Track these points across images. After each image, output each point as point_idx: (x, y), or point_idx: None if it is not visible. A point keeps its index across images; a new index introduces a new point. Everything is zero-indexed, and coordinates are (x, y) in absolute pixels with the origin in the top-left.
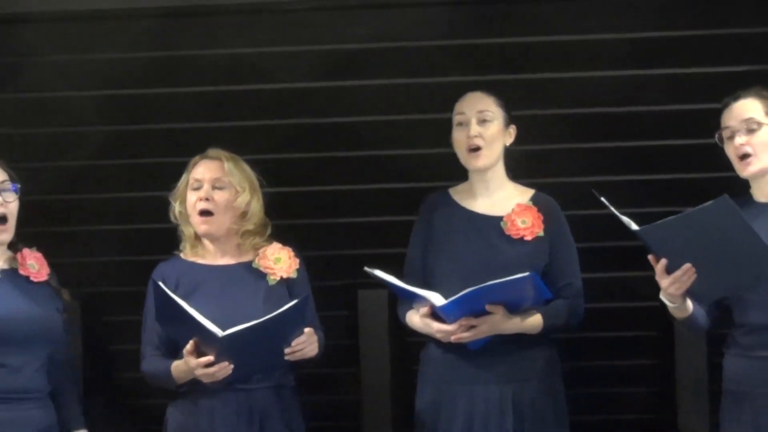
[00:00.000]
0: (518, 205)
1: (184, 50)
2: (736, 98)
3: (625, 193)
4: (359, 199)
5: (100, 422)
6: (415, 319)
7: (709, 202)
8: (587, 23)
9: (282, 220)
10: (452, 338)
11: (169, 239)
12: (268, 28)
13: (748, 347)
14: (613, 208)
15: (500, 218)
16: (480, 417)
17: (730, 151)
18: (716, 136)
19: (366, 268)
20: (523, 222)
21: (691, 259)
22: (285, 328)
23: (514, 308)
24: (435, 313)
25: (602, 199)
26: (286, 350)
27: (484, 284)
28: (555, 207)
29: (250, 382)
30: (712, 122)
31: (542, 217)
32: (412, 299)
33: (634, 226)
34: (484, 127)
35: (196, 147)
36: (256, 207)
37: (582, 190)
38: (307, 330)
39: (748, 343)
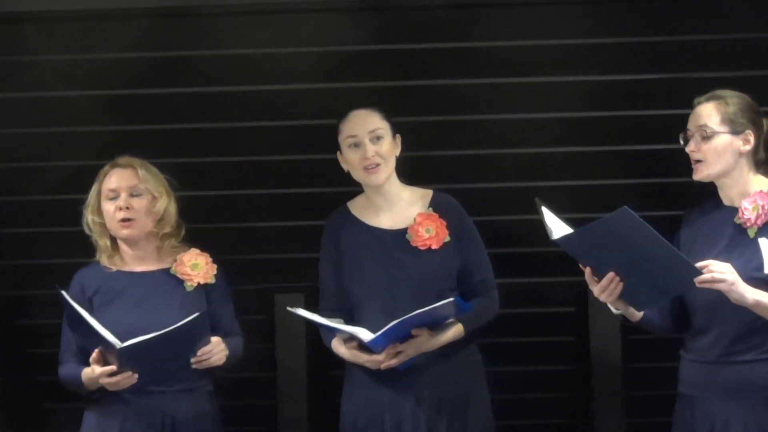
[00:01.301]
0: (419, 215)
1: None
2: (698, 103)
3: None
4: (276, 204)
5: (17, 426)
6: (342, 349)
7: (610, 214)
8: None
9: (199, 224)
10: (382, 366)
11: None
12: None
13: (696, 351)
14: (543, 215)
15: (405, 230)
16: (408, 422)
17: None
18: (681, 137)
19: (288, 308)
20: (428, 231)
21: (614, 268)
22: (188, 338)
23: (437, 326)
24: (362, 344)
25: (536, 199)
26: (192, 359)
27: (410, 314)
28: (455, 207)
29: (165, 386)
30: None
31: (445, 222)
32: (337, 333)
33: (554, 236)
34: (378, 145)
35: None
36: (172, 210)
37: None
38: (214, 339)
39: (694, 347)
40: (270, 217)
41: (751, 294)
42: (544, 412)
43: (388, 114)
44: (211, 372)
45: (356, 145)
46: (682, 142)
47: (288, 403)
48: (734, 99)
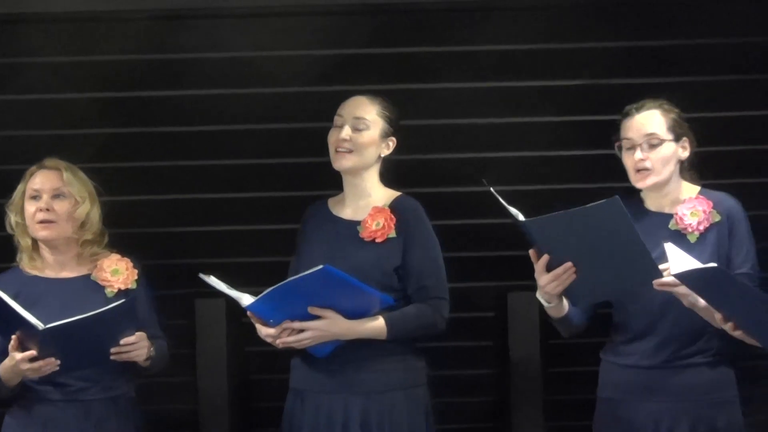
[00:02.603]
0: (374, 208)
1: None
2: (639, 109)
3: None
4: (197, 208)
5: None
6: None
7: (601, 201)
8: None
9: (119, 229)
10: (278, 342)
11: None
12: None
13: (628, 355)
14: (501, 200)
15: (359, 222)
16: (324, 427)
17: (628, 163)
18: (615, 145)
19: (201, 275)
20: (377, 224)
21: (574, 258)
22: (111, 326)
23: (355, 314)
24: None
25: (491, 189)
26: (112, 350)
27: (283, 282)
28: (415, 209)
29: (88, 393)
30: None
31: (395, 219)
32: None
33: (521, 218)
34: (357, 133)
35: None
36: (95, 216)
37: None
38: (138, 333)
39: (627, 352)
40: (192, 222)
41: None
42: (463, 416)
43: (392, 114)
44: (134, 377)
45: (338, 126)
46: (621, 150)
47: (209, 407)
48: (671, 107)
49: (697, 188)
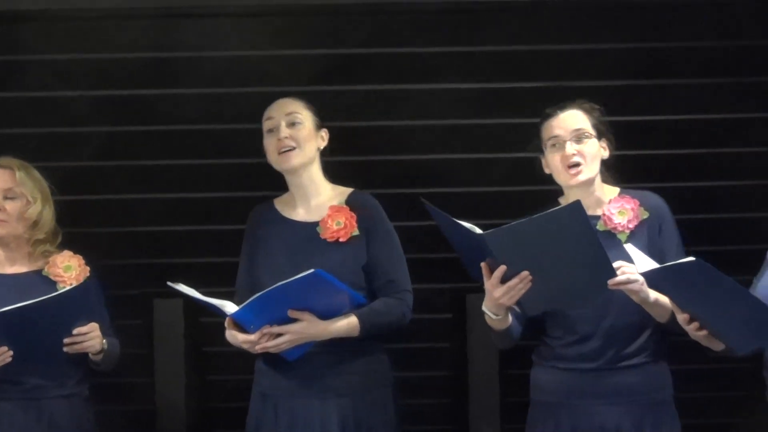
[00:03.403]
0: (331, 207)
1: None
2: (563, 109)
3: None
4: (156, 208)
5: None
6: (226, 332)
7: (562, 206)
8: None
9: (77, 228)
10: (257, 348)
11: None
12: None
13: (568, 359)
14: (445, 215)
15: (317, 224)
16: (307, 430)
17: (556, 161)
18: (542, 146)
19: (169, 282)
20: (338, 224)
21: (531, 267)
22: (64, 314)
23: (328, 314)
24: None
25: (430, 206)
26: (66, 340)
27: (271, 287)
28: (372, 204)
29: (43, 392)
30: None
31: (356, 216)
32: (215, 311)
33: (478, 231)
34: (294, 129)
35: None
36: (48, 216)
37: None
38: (90, 324)
39: (567, 355)
40: (149, 221)
41: (653, 293)
42: (421, 418)
43: (316, 108)
44: (88, 373)
45: (273, 130)
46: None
47: (166, 408)
48: (592, 106)
49: (617, 189)
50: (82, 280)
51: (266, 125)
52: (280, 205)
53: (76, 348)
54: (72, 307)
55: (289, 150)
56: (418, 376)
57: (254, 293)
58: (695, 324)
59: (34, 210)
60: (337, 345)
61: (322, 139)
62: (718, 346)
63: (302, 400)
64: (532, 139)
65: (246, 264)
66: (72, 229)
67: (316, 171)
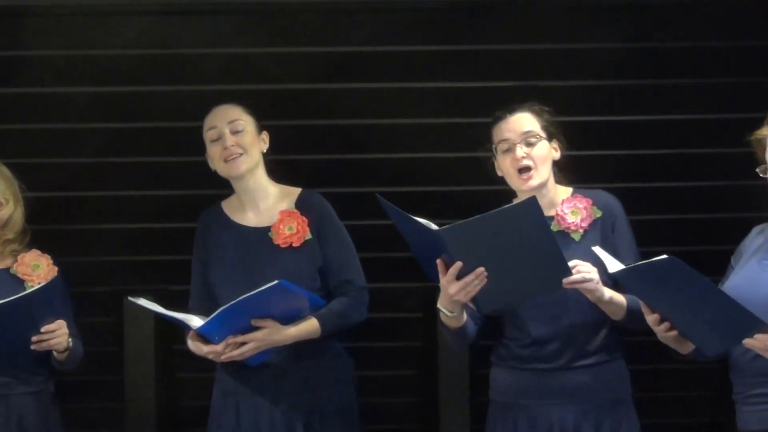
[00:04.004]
0: (281, 212)
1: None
2: (512, 112)
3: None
4: (126, 205)
5: None
6: (189, 343)
7: (518, 202)
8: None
9: (46, 226)
10: (222, 358)
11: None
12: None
13: (525, 359)
14: (400, 211)
15: (268, 228)
16: (268, 430)
17: (507, 164)
18: (493, 149)
19: (130, 298)
20: (290, 228)
21: (486, 263)
22: (33, 312)
23: (288, 319)
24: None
25: (385, 202)
26: (34, 338)
27: (236, 300)
28: (320, 205)
29: (9, 388)
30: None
31: (307, 219)
32: (179, 324)
33: (434, 227)
34: (238, 136)
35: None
36: (18, 216)
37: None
38: (58, 321)
39: (524, 356)
40: (119, 219)
41: (608, 292)
42: (391, 417)
43: (254, 110)
44: (51, 371)
45: (217, 138)
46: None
47: (136, 406)
48: (542, 108)
49: (570, 189)
50: (50, 278)
51: (209, 134)
52: (229, 209)
53: (44, 346)
54: (41, 306)
55: (237, 157)
56: (389, 375)
57: (210, 299)
58: (665, 324)
59: (6, 211)
60: (298, 344)
61: (264, 141)
62: (686, 348)
63: (266, 399)
64: (484, 142)
65: (199, 269)
66: (41, 226)
67: (261, 174)
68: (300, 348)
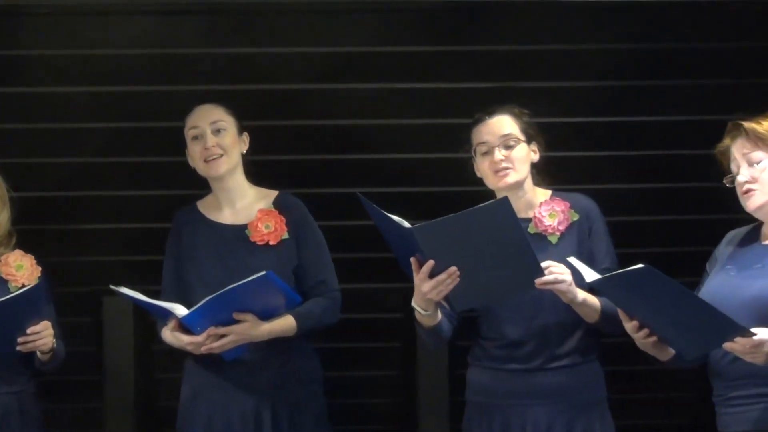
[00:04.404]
0: (260, 210)
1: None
2: (491, 114)
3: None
4: (105, 205)
5: None
6: (167, 333)
7: (491, 201)
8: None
9: (27, 225)
10: (202, 349)
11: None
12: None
13: (500, 360)
14: (379, 209)
15: (245, 226)
16: (238, 427)
17: (485, 166)
18: (472, 150)
19: (111, 286)
20: (267, 227)
21: (458, 262)
22: (19, 314)
23: (266, 315)
24: (185, 326)
25: (364, 200)
26: (19, 339)
27: (223, 290)
28: (297, 206)
29: None
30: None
31: (285, 219)
32: (161, 314)
33: (407, 225)
34: (220, 137)
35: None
36: (4, 219)
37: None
38: (43, 322)
39: (500, 356)
40: (98, 218)
41: (582, 294)
42: (370, 417)
43: (237, 112)
44: (37, 374)
45: (198, 137)
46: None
47: (114, 406)
48: (521, 111)
49: (549, 192)
50: (33, 279)
51: (190, 133)
52: (205, 208)
53: (29, 347)
54: (27, 307)
55: (217, 158)
56: (368, 375)
57: (183, 296)
58: (644, 331)
59: None
60: (268, 342)
61: (244, 143)
62: (665, 355)
63: (237, 394)
64: (464, 142)
65: (172, 265)
66: (21, 226)
67: (240, 175)
68: (272, 345)
